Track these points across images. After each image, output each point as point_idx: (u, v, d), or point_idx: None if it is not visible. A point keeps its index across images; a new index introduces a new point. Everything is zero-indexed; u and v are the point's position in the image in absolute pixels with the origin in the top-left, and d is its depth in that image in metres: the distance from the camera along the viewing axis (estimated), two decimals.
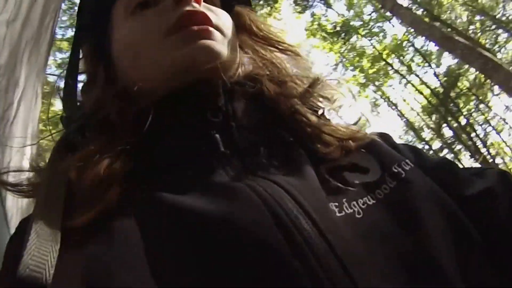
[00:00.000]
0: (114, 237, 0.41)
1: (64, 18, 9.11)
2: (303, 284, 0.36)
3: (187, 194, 0.43)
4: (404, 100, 13.13)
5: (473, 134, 11.33)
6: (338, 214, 0.44)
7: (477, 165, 8.88)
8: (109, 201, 0.43)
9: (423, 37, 9.18)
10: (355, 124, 0.61)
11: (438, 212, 0.46)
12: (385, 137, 0.60)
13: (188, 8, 0.55)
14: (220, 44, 0.56)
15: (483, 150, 11.17)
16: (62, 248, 0.39)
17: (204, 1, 0.59)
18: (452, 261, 0.42)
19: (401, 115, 12.96)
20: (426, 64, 11.59)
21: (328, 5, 11.66)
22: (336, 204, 0.45)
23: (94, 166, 0.46)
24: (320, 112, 0.59)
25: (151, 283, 0.37)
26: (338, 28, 11.69)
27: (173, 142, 0.51)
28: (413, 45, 11.55)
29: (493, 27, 10.57)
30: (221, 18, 0.60)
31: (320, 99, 0.60)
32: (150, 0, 0.59)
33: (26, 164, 0.54)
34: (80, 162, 0.47)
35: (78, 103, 0.62)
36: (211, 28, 0.55)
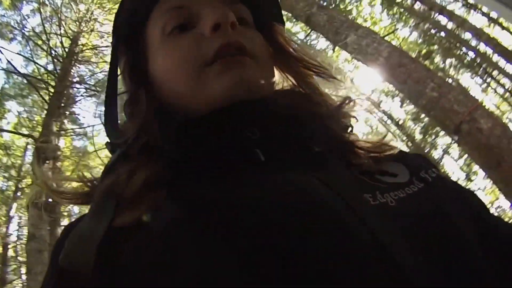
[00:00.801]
0: (160, 233, 0.44)
1: None
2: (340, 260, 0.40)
3: (232, 191, 0.47)
4: None
5: None
6: (372, 203, 0.48)
7: None
8: (154, 203, 0.47)
9: None
10: (383, 138, 0.64)
11: (463, 209, 0.52)
12: (422, 155, 0.66)
13: (224, 39, 0.56)
14: (256, 71, 0.58)
15: None
16: (108, 243, 0.44)
17: (239, 21, 0.60)
18: (472, 239, 0.48)
19: None
20: None
21: None
22: (370, 195, 0.49)
23: (141, 174, 0.51)
24: (349, 129, 0.63)
25: (198, 275, 0.39)
26: None
27: (215, 155, 0.53)
28: None
29: None
30: (256, 43, 0.61)
31: (350, 118, 0.64)
32: (187, 23, 0.60)
33: None
34: (128, 172, 0.51)
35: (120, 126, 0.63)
36: (247, 57, 0.57)
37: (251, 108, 0.55)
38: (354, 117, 0.65)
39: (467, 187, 0.62)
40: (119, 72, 0.67)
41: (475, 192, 0.61)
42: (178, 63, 0.58)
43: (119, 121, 0.63)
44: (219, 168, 0.52)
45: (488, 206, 0.60)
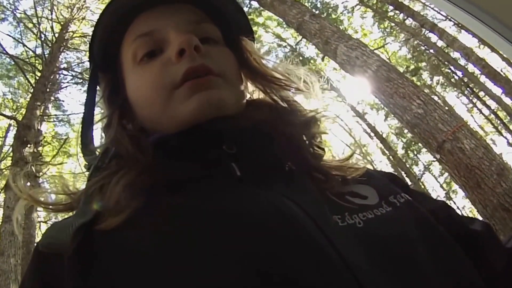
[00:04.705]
0: (141, 235, 0.47)
1: None
2: (308, 272, 0.43)
3: (208, 203, 0.50)
4: None
5: None
6: (341, 224, 0.51)
7: None
8: (134, 208, 0.49)
9: None
10: (350, 157, 0.66)
11: (423, 235, 0.53)
12: (394, 175, 0.69)
13: (190, 64, 0.57)
14: (225, 90, 0.59)
15: None
16: (86, 235, 0.47)
17: (205, 40, 0.61)
18: (431, 265, 0.50)
19: None
20: None
21: None
22: (339, 216, 0.52)
23: (120, 181, 0.52)
24: (318, 146, 0.65)
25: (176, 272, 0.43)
26: None
27: (192, 166, 0.56)
28: None
29: None
30: (222, 61, 0.62)
31: (319, 134, 0.66)
32: (156, 49, 0.61)
33: None
34: (108, 179, 0.54)
35: (97, 148, 0.66)
36: (213, 77, 0.58)
37: (226, 124, 0.57)
38: (324, 132, 0.67)
39: (440, 200, 0.64)
40: (98, 97, 0.70)
41: (447, 203, 0.64)
42: (149, 89, 0.60)
43: (95, 144, 0.67)
44: (196, 180, 0.54)
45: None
